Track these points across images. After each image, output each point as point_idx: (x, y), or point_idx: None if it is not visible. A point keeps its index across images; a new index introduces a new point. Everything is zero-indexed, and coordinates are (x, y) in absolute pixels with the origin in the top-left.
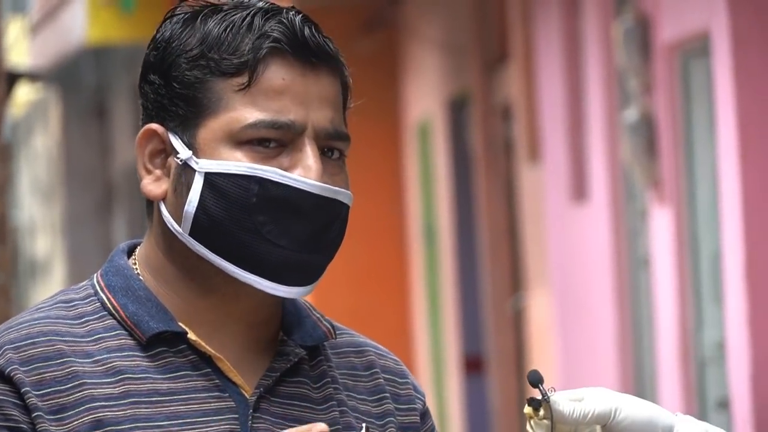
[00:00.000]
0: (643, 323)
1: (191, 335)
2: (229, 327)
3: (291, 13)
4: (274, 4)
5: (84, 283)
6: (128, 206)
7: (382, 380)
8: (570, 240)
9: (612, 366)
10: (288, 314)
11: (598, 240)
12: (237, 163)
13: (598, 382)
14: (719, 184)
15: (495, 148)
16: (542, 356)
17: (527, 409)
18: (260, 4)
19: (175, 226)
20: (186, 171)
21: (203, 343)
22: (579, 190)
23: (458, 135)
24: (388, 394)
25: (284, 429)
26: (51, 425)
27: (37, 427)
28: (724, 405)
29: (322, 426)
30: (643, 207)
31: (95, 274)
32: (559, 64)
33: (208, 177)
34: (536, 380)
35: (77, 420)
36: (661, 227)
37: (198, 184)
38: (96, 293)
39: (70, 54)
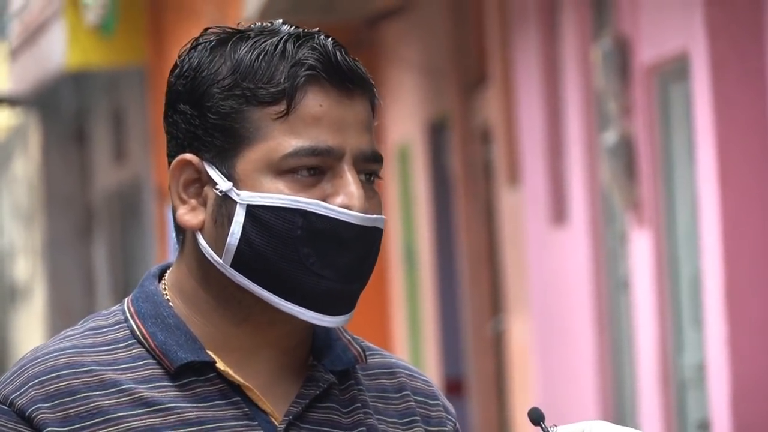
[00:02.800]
0: (623, 345)
1: (220, 364)
2: (260, 354)
3: (321, 37)
4: (301, 27)
5: (115, 308)
6: (109, 230)
7: (413, 402)
8: (550, 262)
9: (592, 388)
10: (318, 338)
11: (578, 262)
12: (280, 196)
13: (578, 404)
14: (698, 206)
15: (474, 171)
16: (522, 379)
17: None
18: (286, 28)
19: (215, 257)
20: (226, 202)
21: (232, 372)
22: (558, 212)
23: (438, 158)
24: (418, 417)
25: None
26: None
27: None
28: (704, 427)
29: None
30: (622, 229)
31: (126, 299)
32: (537, 86)
33: (251, 209)
34: (538, 417)
35: None
36: (640, 249)
37: (240, 216)
38: (126, 320)
39: (50, 79)
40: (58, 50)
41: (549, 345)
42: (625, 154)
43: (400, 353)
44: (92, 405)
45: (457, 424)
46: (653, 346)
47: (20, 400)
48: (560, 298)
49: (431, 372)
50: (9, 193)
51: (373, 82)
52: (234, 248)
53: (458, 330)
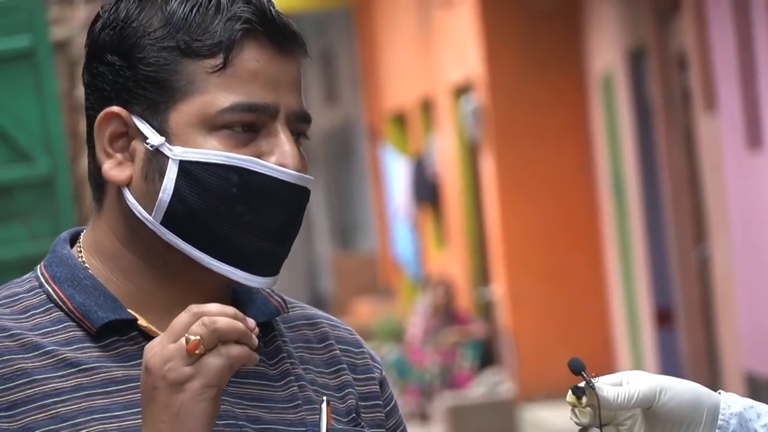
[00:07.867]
0: None
1: (141, 321)
2: (182, 309)
3: None
4: None
5: (27, 275)
6: (324, 172)
7: (337, 351)
8: (748, 187)
9: None
10: (238, 292)
11: None
12: (215, 152)
13: None
14: None
15: (673, 97)
16: (727, 305)
17: (570, 398)
18: None
19: (144, 213)
20: (157, 157)
21: (154, 329)
22: (754, 137)
23: (639, 86)
24: (345, 365)
25: (244, 409)
26: (3, 422)
27: None
28: None
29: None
30: None
31: (38, 266)
32: (729, 13)
33: (184, 165)
34: (579, 367)
35: (30, 416)
36: None
37: (172, 171)
38: (41, 285)
39: None
40: None
41: (751, 270)
42: None
43: (613, 284)
44: (16, 367)
45: (384, 372)
46: None
47: None
48: (759, 224)
49: (643, 302)
50: None
51: (304, 41)
52: (165, 205)
53: (666, 259)
